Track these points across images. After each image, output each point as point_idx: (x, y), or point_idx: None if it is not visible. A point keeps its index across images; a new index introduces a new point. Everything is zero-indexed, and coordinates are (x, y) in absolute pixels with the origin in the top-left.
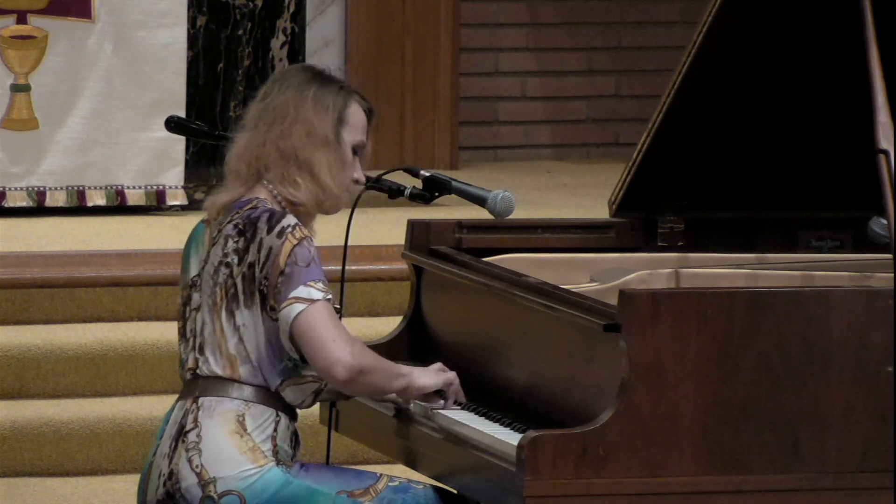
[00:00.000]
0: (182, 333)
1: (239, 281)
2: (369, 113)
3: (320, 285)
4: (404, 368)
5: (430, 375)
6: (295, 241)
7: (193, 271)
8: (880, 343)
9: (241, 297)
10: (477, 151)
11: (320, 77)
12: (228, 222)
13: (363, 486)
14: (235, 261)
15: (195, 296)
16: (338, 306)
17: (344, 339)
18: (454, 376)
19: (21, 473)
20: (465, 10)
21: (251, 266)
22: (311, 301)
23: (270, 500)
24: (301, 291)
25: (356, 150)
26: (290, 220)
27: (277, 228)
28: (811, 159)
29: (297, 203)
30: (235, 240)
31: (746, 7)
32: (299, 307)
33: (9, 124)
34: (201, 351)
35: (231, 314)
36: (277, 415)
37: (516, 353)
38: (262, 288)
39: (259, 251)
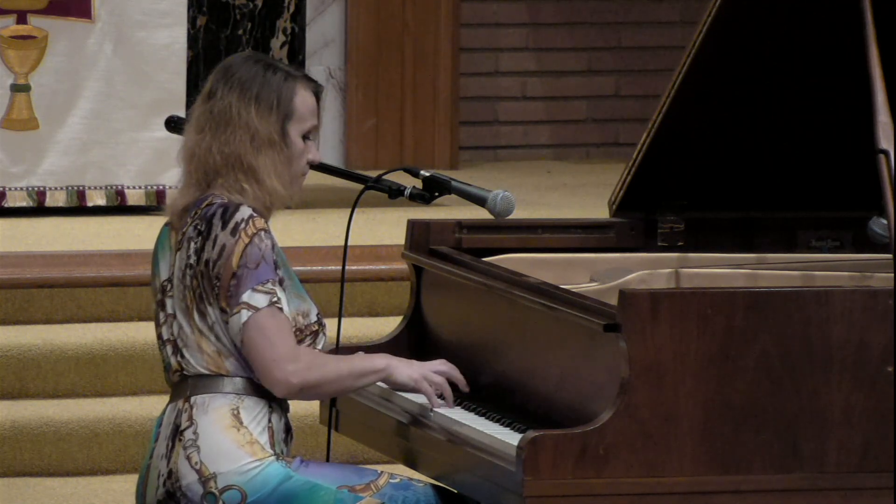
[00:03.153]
0: (160, 338)
1: (200, 279)
2: (317, 94)
3: (268, 286)
4: (378, 363)
5: (411, 371)
6: (247, 240)
7: (163, 275)
8: (880, 343)
9: (205, 295)
10: (477, 151)
11: (264, 70)
12: (189, 225)
13: (364, 482)
14: (195, 260)
15: (168, 301)
16: (282, 306)
17: (285, 357)
18: (433, 373)
19: (21, 473)
20: (465, 10)
21: (207, 263)
22: (255, 309)
23: (271, 495)
24: (247, 297)
25: (308, 136)
26: (244, 212)
27: (231, 224)
28: (811, 159)
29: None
30: (195, 241)
31: (746, 7)
32: (245, 315)
33: (9, 124)
34: (182, 355)
35: (202, 314)
36: (270, 405)
37: (516, 353)
38: (216, 287)
39: (213, 247)
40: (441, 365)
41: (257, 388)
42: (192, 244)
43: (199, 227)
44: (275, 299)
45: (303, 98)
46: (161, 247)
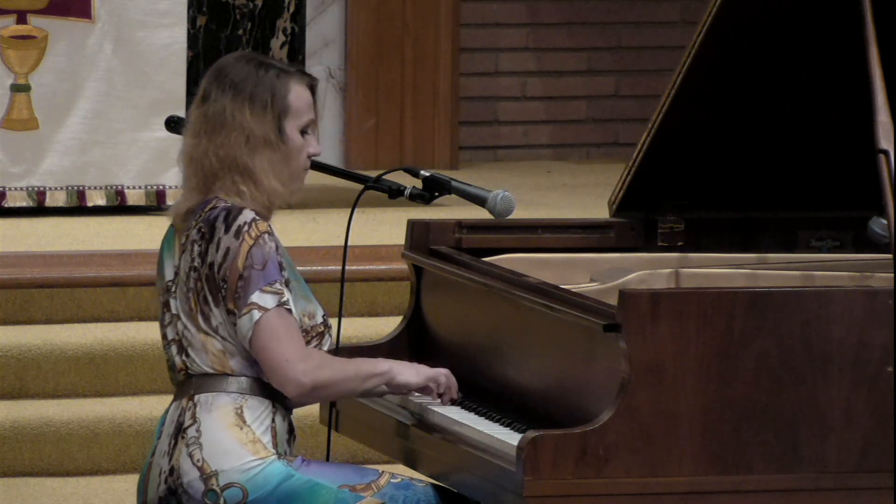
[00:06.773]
0: (165, 337)
1: (204, 282)
2: (312, 87)
3: (276, 286)
4: (381, 366)
5: (413, 373)
6: (251, 242)
7: (168, 275)
8: (880, 343)
9: (209, 297)
10: (477, 151)
11: (256, 69)
12: (193, 228)
13: (365, 482)
14: (199, 263)
15: (172, 302)
16: (290, 306)
17: (297, 356)
18: (439, 374)
19: (21, 473)
20: (465, 10)
21: (211, 266)
22: (265, 309)
23: (272, 493)
24: (256, 297)
25: (306, 130)
26: (246, 216)
27: (234, 227)
28: (811, 159)
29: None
30: (199, 244)
31: (746, 7)
32: (256, 315)
33: (9, 124)
34: (187, 354)
35: (206, 317)
36: (274, 405)
37: (516, 353)
38: (223, 290)
39: (217, 250)
40: (443, 370)
41: (262, 388)
42: (196, 247)
43: (202, 230)
44: (283, 300)
45: (297, 93)
46: (167, 248)
